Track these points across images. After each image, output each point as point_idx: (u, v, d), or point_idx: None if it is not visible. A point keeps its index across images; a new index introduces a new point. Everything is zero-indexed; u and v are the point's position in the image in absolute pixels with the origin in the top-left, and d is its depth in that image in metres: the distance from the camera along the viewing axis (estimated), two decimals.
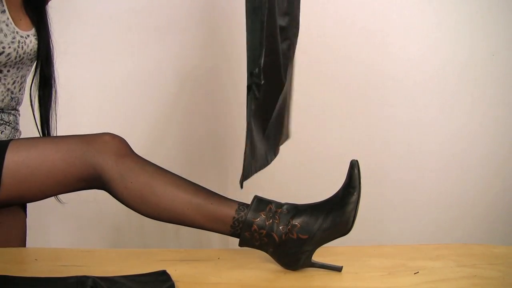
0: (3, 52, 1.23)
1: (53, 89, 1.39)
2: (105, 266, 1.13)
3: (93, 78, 1.84)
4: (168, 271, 1.08)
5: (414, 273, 1.11)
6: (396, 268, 1.14)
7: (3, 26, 1.23)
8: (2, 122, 1.30)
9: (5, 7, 1.24)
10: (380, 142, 1.92)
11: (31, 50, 1.30)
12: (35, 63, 1.36)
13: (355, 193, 1.09)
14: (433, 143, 1.94)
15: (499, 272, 1.12)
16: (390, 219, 1.97)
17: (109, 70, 1.85)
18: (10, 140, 1.17)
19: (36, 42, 1.32)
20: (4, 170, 1.10)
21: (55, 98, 1.40)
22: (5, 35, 1.22)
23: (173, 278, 1.05)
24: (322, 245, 1.14)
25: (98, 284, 0.99)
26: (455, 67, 1.90)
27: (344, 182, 1.12)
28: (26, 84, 1.38)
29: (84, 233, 1.88)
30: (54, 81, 1.39)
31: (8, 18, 1.24)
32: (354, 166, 1.11)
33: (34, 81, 1.37)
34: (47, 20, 1.36)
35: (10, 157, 1.12)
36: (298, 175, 1.91)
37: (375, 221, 1.89)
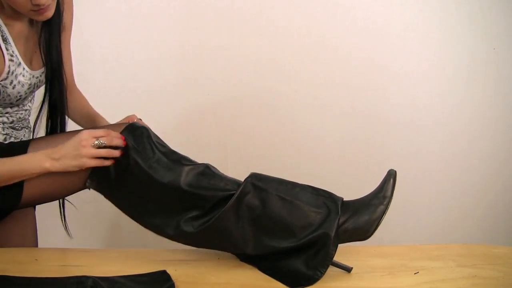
0: (19, 98, 1.21)
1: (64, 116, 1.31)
2: (105, 266, 1.13)
3: (91, 79, 1.84)
4: (168, 271, 1.08)
5: (414, 273, 1.11)
6: (396, 268, 1.14)
7: (21, 78, 1.18)
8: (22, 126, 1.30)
9: (20, 59, 1.18)
10: (380, 142, 1.92)
11: (41, 83, 1.26)
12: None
13: (385, 202, 1.07)
14: (433, 143, 1.94)
15: (499, 272, 1.12)
16: (390, 219, 1.95)
17: (109, 70, 1.85)
18: (30, 140, 1.19)
19: (43, 78, 1.25)
20: None
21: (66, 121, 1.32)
22: (22, 85, 1.19)
23: (173, 278, 1.05)
24: (339, 244, 1.10)
25: (98, 284, 0.99)
26: (456, 67, 1.90)
27: (377, 188, 1.09)
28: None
29: (84, 233, 1.87)
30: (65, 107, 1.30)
31: (24, 69, 1.19)
32: (391, 176, 1.08)
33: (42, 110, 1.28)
34: (61, 58, 1.26)
35: None
36: (298, 175, 1.91)
37: None
